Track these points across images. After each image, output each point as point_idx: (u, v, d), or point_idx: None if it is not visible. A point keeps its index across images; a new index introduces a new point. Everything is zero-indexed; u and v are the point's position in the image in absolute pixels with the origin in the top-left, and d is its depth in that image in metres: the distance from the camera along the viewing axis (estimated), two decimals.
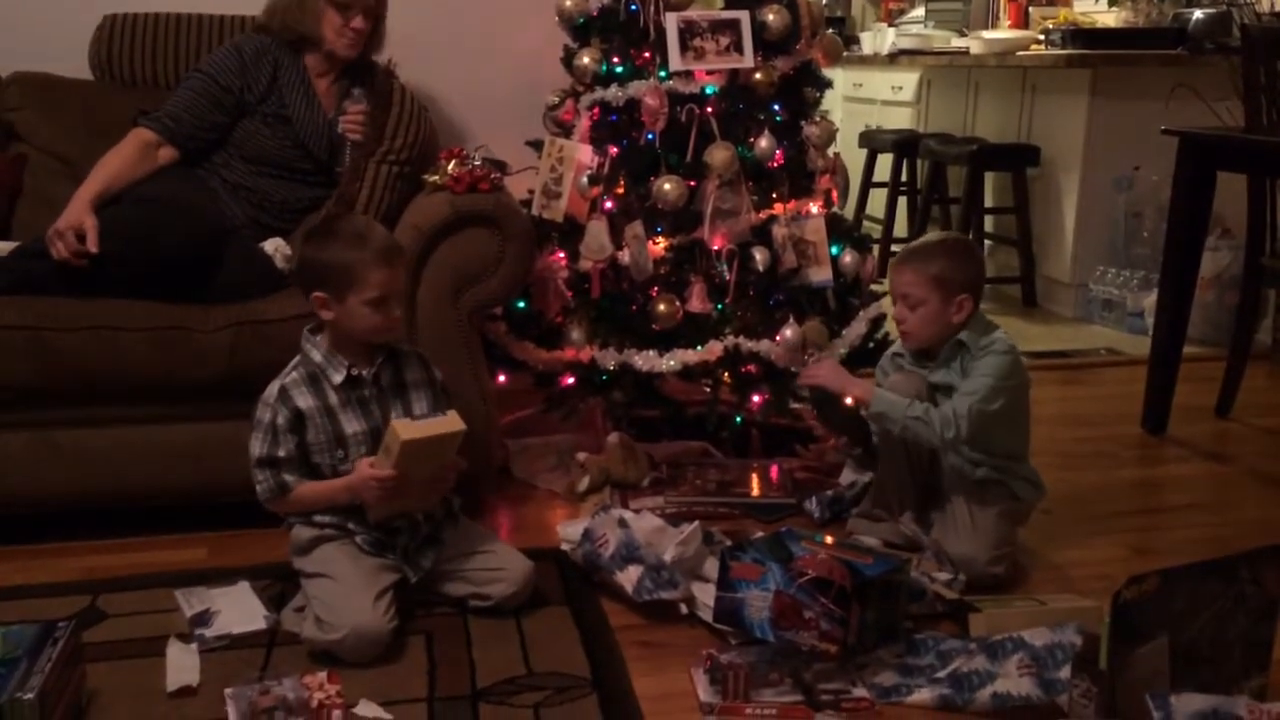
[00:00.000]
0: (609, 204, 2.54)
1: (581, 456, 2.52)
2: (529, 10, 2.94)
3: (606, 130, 2.58)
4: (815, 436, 2.68)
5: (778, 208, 2.54)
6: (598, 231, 2.50)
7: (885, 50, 5.62)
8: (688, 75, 2.50)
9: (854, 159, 4.14)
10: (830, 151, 2.67)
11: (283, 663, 1.77)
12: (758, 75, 2.52)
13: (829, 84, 2.75)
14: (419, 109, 2.53)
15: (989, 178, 4.54)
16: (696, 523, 2.02)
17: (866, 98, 5.95)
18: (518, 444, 2.70)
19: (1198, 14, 4.26)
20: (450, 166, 2.29)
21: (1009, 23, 5.48)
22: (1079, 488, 2.58)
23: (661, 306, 2.46)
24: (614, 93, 2.54)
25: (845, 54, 3.96)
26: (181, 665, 1.74)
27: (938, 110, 5.23)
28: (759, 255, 2.50)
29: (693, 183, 2.47)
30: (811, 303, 2.57)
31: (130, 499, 2.23)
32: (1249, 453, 2.90)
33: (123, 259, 2.17)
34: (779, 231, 2.52)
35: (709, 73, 2.51)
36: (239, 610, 1.91)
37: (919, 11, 6.09)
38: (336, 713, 1.58)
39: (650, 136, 2.52)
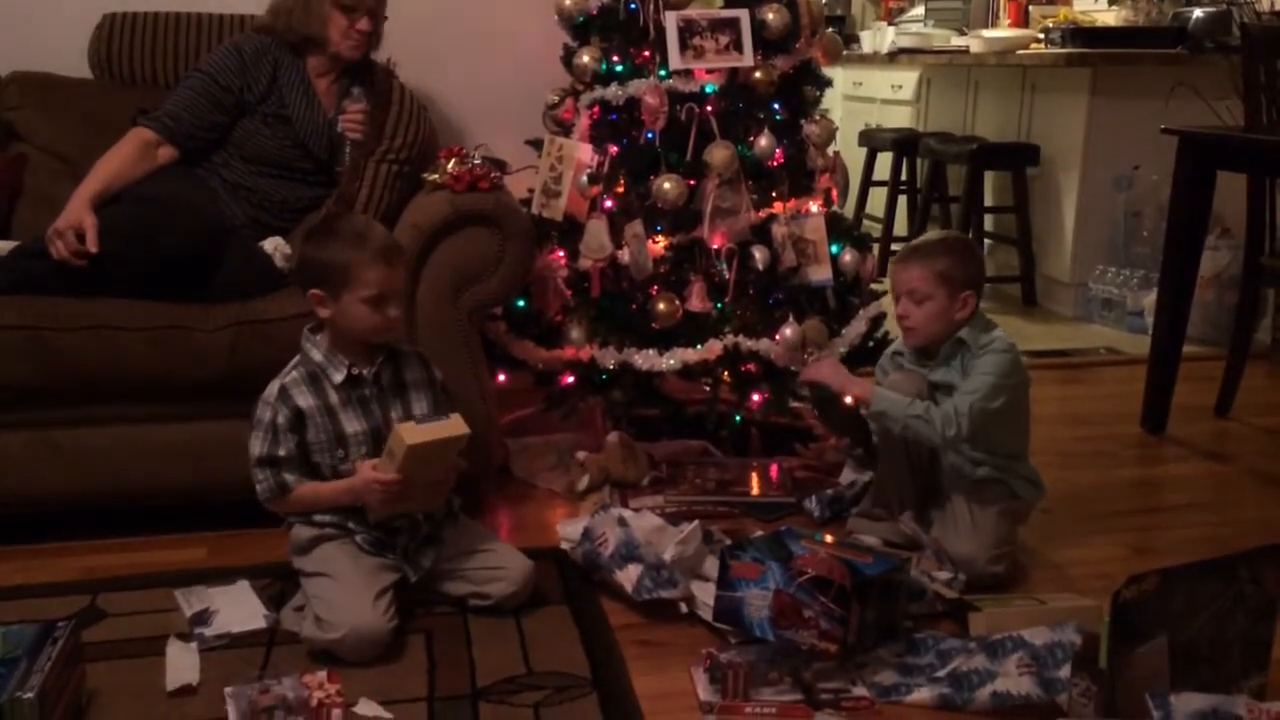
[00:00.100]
0: (609, 203, 2.54)
1: (581, 455, 2.52)
2: (528, 9, 2.94)
3: (606, 129, 2.58)
4: (815, 435, 2.68)
5: (777, 206, 2.54)
6: (597, 230, 2.50)
7: (885, 49, 5.63)
8: (687, 74, 2.50)
9: (854, 158, 4.13)
10: (830, 150, 2.67)
11: (282, 662, 1.77)
12: (757, 74, 2.52)
13: (829, 83, 2.75)
14: (418, 108, 2.54)
15: (989, 177, 4.54)
16: (696, 522, 2.02)
17: (866, 96, 5.95)
18: (517, 443, 2.70)
19: (1198, 13, 4.26)
20: (450, 165, 2.29)
21: (1009, 21, 5.49)
22: (1079, 487, 2.58)
23: (661, 305, 2.46)
24: (614, 91, 2.54)
25: (845, 53, 3.96)
26: (181, 664, 1.74)
27: (937, 109, 5.23)
28: (759, 254, 2.49)
29: (692, 181, 2.47)
30: (811, 302, 2.57)
31: (130, 498, 2.23)
32: (1248, 452, 2.90)
33: (122, 258, 2.17)
34: (779, 230, 2.52)
35: (709, 71, 2.51)
36: (239, 609, 1.91)
37: (919, 10, 6.09)
38: (336, 712, 1.58)
39: (650, 135, 2.52)
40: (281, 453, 1.87)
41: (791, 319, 2.48)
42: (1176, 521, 2.46)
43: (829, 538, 1.86)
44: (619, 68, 2.57)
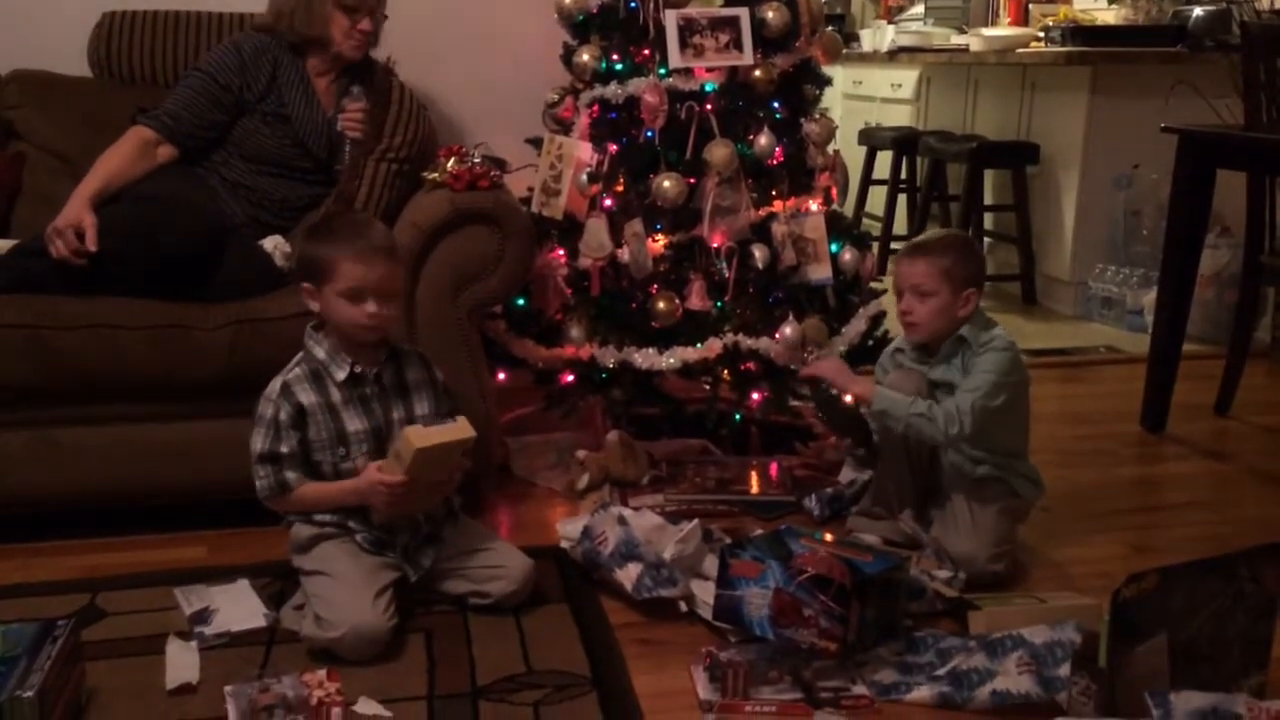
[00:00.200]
0: (608, 201, 2.53)
1: (581, 454, 2.52)
2: (528, 8, 2.94)
3: (606, 127, 2.57)
4: (815, 434, 2.68)
5: (777, 205, 2.54)
6: (597, 229, 2.50)
7: (885, 47, 5.62)
8: (687, 72, 2.50)
9: (853, 156, 4.13)
10: (830, 149, 2.67)
11: (282, 660, 1.77)
12: (757, 72, 2.52)
13: (828, 81, 2.75)
14: (418, 107, 2.53)
15: (988, 175, 4.54)
16: (696, 520, 2.02)
17: (866, 95, 5.94)
18: (517, 442, 2.70)
19: (1197, 11, 4.25)
20: (449, 164, 2.28)
21: (1009, 20, 5.48)
22: (1078, 485, 2.58)
23: (661, 304, 2.46)
24: (613, 90, 2.53)
25: (845, 51, 3.97)
26: (181, 663, 1.74)
27: (937, 107, 5.23)
28: (758, 253, 2.49)
29: (692, 180, 2.47)
30: (811, 300, 2.57)
31: (130, 497, 2.23)
32: (1248, 450, 2.90)
33: (122, 257, 2.17)
34: (778, 229, 2.51)
35: (708, 70, 2.51)
36: (238, 608, 1.91)
37: (919, 9, 6.08)
38: (336, 710, 1.58)
39: (650, 134, 2.52)
40: (283, 449, 1.87)
41: (791, 318, 2.48)
42: (1176, 520, 2.46)
43: (829, 536, 1.86)
44: (619, 66, 2.57)
